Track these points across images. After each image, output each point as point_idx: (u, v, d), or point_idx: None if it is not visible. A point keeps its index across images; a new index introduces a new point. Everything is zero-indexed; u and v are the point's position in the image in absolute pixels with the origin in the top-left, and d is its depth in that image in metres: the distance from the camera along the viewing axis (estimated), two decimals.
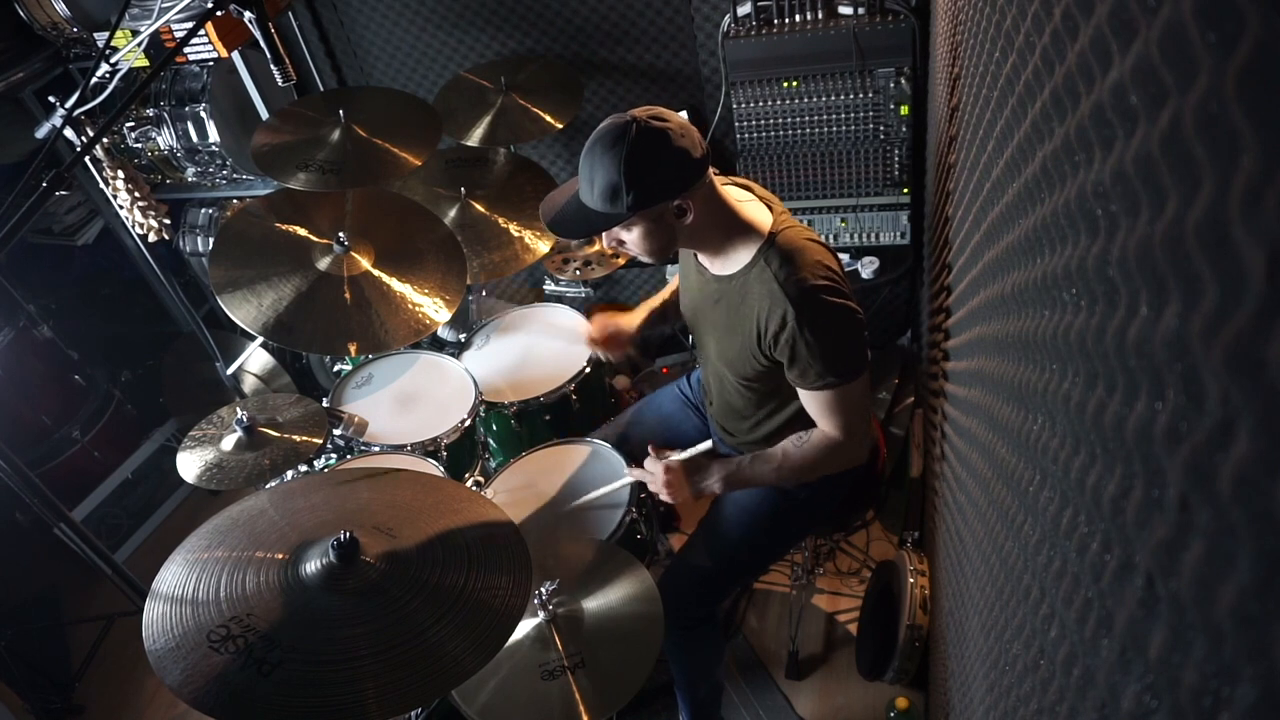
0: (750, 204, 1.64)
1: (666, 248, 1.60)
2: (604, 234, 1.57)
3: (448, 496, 1.57)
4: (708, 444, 1.78)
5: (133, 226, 2.13)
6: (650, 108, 1.50)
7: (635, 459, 1.90)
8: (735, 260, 1.63)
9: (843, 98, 2.40)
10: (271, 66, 1.97)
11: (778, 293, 1.54)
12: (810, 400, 1.66)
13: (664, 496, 1.78)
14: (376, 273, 2.09)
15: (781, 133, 2.50)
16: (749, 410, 1.84)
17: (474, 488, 2.23)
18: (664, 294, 2.11)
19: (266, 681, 1.17)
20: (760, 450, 1.80)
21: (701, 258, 1.72)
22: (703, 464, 1.78)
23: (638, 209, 1.49)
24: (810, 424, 1.72)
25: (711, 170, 1.56)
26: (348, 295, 2.02)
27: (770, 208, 1.66)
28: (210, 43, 2.46)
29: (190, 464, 1.93)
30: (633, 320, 2.08)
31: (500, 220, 2.53)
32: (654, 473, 1.78)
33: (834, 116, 2.44)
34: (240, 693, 1.16)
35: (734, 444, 1.95)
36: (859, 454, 1.74)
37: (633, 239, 1.57)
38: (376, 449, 2.23)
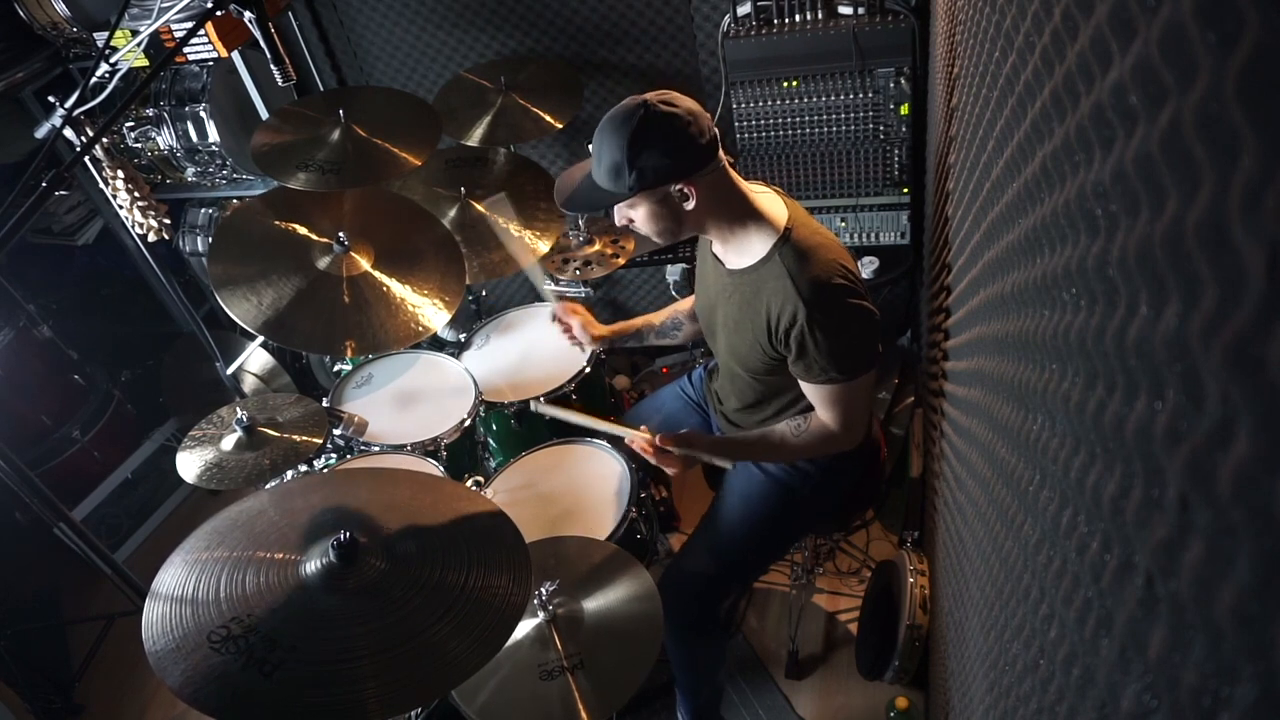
0: (765, 196, 1.66)
1: (673, 230, 1.62)
2: (615, 212, 1.61)
3: (447, 496, 1.57)
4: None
5: (133, 226, 2.13)
6: (664, 92, 1.52)
7: (636, 459, 1.90)
8: (749, 253, 1.64)
9: (843, 98, 2.40)
10: (271, 66, 1.97)
11: (790, 290, 1.56)
12: (812, 392, 1.69)
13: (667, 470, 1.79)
14: (376, 273, 2.08)
15: (781, 133, 2.50)
16: (760, 406, 1.86)
17: (474, 488, 2.22)
18: (653, 316, 2.16)
19: (268, 682, 1.17)
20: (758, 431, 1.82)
21: (716, 248, 1.73)
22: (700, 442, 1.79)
23: (639, 189, 1.52)
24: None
25: (727, 160, 1.58)
26: (347, 295, 2.02)
27: (787, 205, 1.68)
28: (210, 43, 2.46)
29: (190, 464, 1.93)
30: (601, 330, 2.14)
31: (500, 220, 2.53)
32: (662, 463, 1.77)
33: (834, 116, 2.44)
34: (242, 694, 1.16)
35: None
36: (854, 444, 1.78)
37: (640, 218, 1.60)
38: (376, 449, 2.23)
